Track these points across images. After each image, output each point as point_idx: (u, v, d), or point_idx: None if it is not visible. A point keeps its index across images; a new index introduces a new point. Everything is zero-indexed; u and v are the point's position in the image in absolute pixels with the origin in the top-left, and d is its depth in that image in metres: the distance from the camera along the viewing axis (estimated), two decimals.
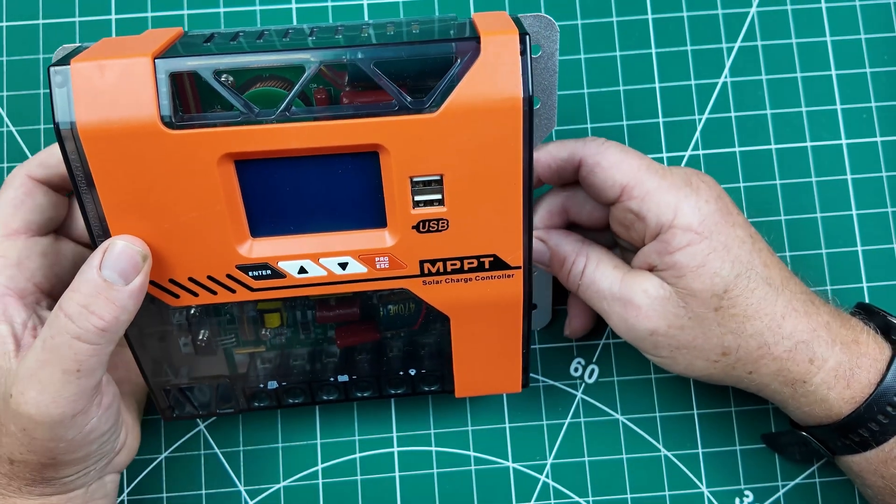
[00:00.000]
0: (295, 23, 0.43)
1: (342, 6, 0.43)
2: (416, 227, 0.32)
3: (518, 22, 0.31)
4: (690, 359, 0.34)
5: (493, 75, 0.29)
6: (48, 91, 0.43)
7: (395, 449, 0.42)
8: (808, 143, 0.43)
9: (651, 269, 0.34)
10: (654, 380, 0.42)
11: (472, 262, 0.33)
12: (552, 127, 0.35)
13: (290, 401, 0.38)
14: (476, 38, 0.29)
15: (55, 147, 0.33)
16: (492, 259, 0.33)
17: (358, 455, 0.42)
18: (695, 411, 0.42)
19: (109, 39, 0.31)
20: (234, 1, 0.43)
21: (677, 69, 0.43)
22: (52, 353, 0.29)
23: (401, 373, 0.38)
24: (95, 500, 0.35)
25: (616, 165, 0.33)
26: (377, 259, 0.32)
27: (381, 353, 0.38)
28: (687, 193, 0.33)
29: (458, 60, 0.29)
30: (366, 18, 0.43)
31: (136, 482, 0.41)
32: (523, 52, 0.29)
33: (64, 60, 0.29)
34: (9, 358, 0.31)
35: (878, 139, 0.43)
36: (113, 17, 0.43)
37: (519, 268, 0.33)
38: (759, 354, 0.34)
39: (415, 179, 0.31)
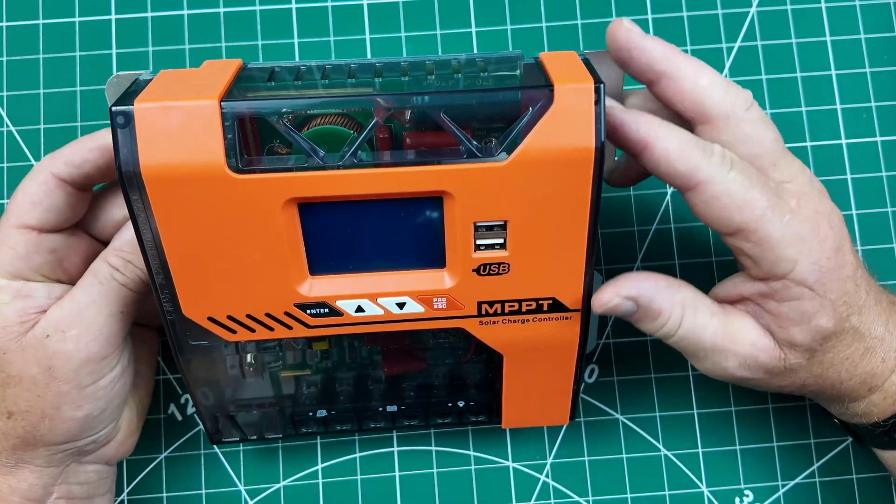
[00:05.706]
0: (295, 24, 0.43)
1: (342, 6, 0.43)
2: (477, 270, 0.31)
3: (588, 64, 0.29)
4: (766, 387, 0.34)
5: (566, 125, 0.28)
6: (48, 91, 0.43)
7: (395, 449, 0.42)
8: (808, 143, 0.43)
9: (742, 300, 0.33)
10: (654, 380, 0.42)
11: (531, 304, 0.32)
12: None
13: (338, 427, 0.38)
14: (549, 87, 0.28)
15: (81, 143, 0.33)
16: (550, 302, 0.32)
17: (358, 455, 0.42)
18: (695, 411, 0.42)
19: (168, 73, 0.30)
20: (235, 1, 0.43)
21: None
22: (102, 296, 0.32)
23: (449, 404, 0.38)
24: (70, 483, 0.35)
25: (738, 204, 0.30)
26: (435, 300, 0.32)
27: (428, 383, 0.38)
28: (811, 248, 0.30)
29: (530, 109, 0.28)
30: (366, 19, 0.43)
31: (136, 482, 0.41)
32: (597, 102, 0.28)
33: (125, 99, 0.28)
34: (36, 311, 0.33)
35: (878, 139, 0.43)
36: (113, 17, 0.43)
37: (577, 310, 0.33)
38: (827, 387, 0.34)
39: (478, 224, 0.30)
